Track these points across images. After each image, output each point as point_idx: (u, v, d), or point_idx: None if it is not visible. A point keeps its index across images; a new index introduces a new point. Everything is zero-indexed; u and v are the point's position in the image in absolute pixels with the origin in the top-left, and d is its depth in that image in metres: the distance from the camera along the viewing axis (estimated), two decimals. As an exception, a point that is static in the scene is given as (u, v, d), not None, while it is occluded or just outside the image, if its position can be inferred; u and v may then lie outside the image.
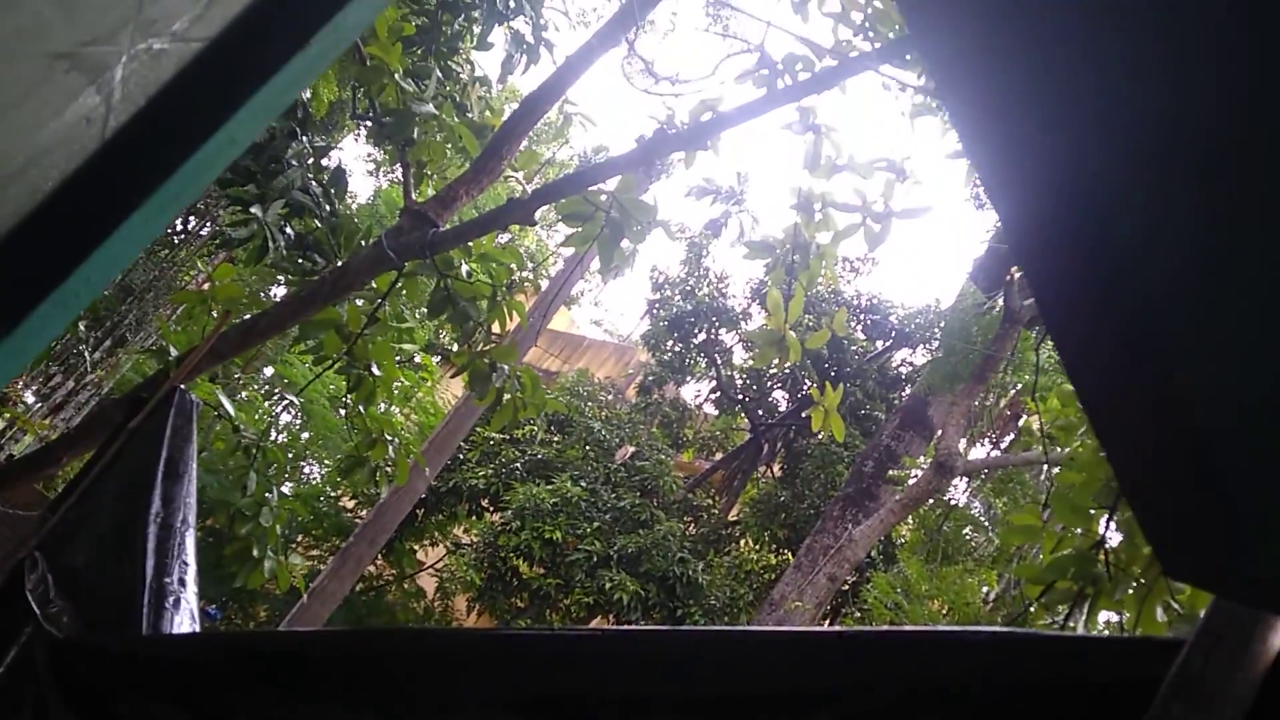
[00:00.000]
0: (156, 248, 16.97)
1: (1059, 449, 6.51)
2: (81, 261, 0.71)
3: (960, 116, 0.76)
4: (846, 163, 4.73)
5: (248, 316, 4.71)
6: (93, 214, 0.72)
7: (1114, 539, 3.44)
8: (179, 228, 17.73)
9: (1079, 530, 3.64)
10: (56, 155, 0.70)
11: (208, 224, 17.48)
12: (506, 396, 5.24)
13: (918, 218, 4.64)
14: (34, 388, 15.38)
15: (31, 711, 2.46)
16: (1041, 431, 5.54)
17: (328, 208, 5.93)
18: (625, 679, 1.56)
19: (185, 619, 2.55)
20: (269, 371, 18.27)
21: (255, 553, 4.69)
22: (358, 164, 26.66)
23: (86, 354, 11.74)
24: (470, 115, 5.56)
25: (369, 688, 1.83)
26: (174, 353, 4.30)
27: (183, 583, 2.62)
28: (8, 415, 13.51)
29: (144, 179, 0.73)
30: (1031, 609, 3.59)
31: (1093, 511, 3.52)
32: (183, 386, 3.31)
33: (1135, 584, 3.26)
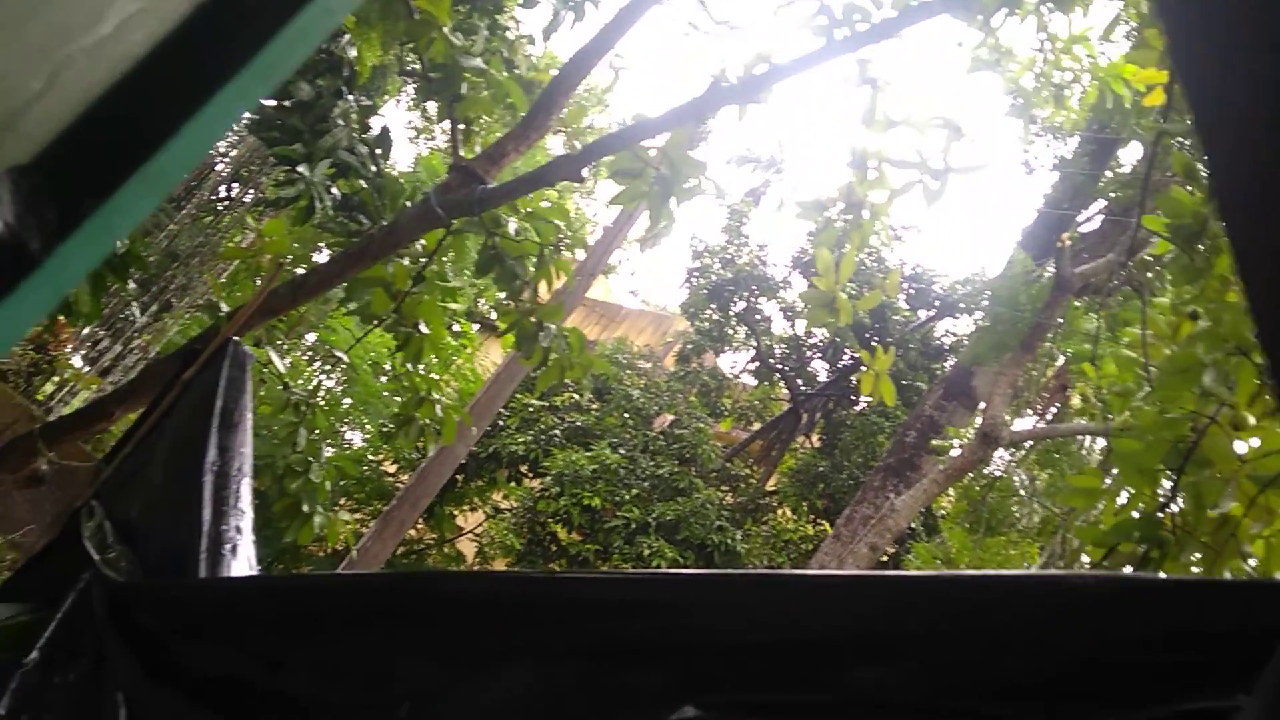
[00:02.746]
0: (200, 214, 17.08)
1: (1112, 417, 6.38)
2: (172, 135, 0.66)
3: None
4: (904, 118, 4.61)
5: (299, 272, 4.70)
6: (184, 84, 0.67)
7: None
8: (222, 194, 17.83)
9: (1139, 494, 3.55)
10: (149, 18, 0.65)
11: (251, 191, 17.56)
12: (553, 357, 5.21)
13: (976, 174, 4.53)
14: (82, 352, 15.58)
15: (91, 655, 2.46)
16: (1099, 398, 5.42)
17: (373, 168, 5.90)
18: (693, 623, 1.51)
19: (243, 566, 2.54)
20: (312, 338, 18.39)
21: (305, 508, 4.70)
22: (400, 131, 26.65)
23: (137, 313, 11.88)
24: (518, 71, 5.50)
25: (426, 631, 1.80)
26: (225, 309, 4.30)
27: (239, 530, 2.62)
28: (58, 377, 13.70)
29: (238, 48, 0.68)
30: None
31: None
32: (235, 338, 3.30)
33: (1202, 549, 3.17)
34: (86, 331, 14.46)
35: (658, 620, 1.56)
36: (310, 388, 5.58)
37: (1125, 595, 1.21)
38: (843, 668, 1.39)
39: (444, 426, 5.32)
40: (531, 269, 4.98)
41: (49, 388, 14.31)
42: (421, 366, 5.32)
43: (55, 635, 2.52)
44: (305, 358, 18.50)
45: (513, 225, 4.87)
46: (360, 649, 1.90)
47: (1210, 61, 0.69)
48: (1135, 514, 3.39)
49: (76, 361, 14.53)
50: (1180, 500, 3.26)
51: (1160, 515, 3.24)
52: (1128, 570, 3.26)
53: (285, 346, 17.14)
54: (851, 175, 4.88)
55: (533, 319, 5.09)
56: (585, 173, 4.59)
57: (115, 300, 13.68)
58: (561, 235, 5.15)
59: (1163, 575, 3.11)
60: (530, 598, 1.75)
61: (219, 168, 17.99)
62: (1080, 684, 1.27)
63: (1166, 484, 3.36)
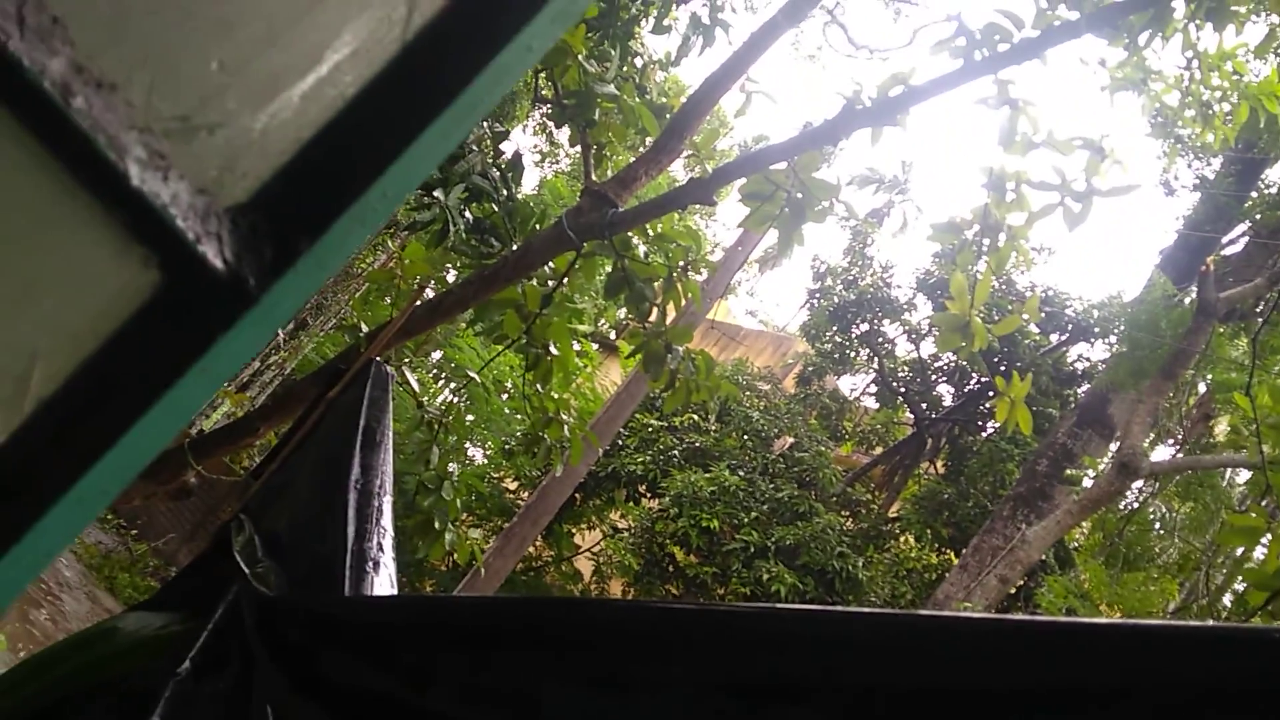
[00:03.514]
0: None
1: (1266, 450, 6.04)
2: (380, 174, 0.67)
3: None
4: (1044, 139, 4.47)
5: (432, 295, 4.81)
6: (391, 124, 0.68)
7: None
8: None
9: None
10: (359, 59, 0.66)
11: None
12: (680, 379, 5.20)
13: (1122, 197, 4.36)
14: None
15: (239, 664, 2.53)
16: (1256, 431, 5.15)
17: (505, 193, 6.02)
18: (862, 664, 1.46)
19: (385, 583, 2.59)
20: (437, 355, 18.86)
21: (436, 525, 4.79)
22: (525, 155, 27.11)
23: (280, 334, 12.41)
24: (649, 96, 5.54)
25: (577, 658, 1.79)
26: (365, 329, 4.43)
27: (382, 548, 2.67)
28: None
29: (443, 87, 0.68)
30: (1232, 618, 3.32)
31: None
32: (378, 359, 3.39)
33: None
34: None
35: (822, 659, 1.51)
36: (442, 406, 5.70)
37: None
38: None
39: (571, 446, 5.36)
40: (660, 290, 4.99)
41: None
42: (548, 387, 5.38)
43: (207, 646, 2.60)
44: (430, 375, 18.98)
45: (641, 248, 4.90)
46: (509, 673, 1.91)
47: None
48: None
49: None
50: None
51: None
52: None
53: (411, 364, 17.65)
54: (988, 197, 4.75)
55: (661, 341, 5.10)
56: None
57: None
58: (690, 257, 5.15)
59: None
60: (688, 629, 1.72)
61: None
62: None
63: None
